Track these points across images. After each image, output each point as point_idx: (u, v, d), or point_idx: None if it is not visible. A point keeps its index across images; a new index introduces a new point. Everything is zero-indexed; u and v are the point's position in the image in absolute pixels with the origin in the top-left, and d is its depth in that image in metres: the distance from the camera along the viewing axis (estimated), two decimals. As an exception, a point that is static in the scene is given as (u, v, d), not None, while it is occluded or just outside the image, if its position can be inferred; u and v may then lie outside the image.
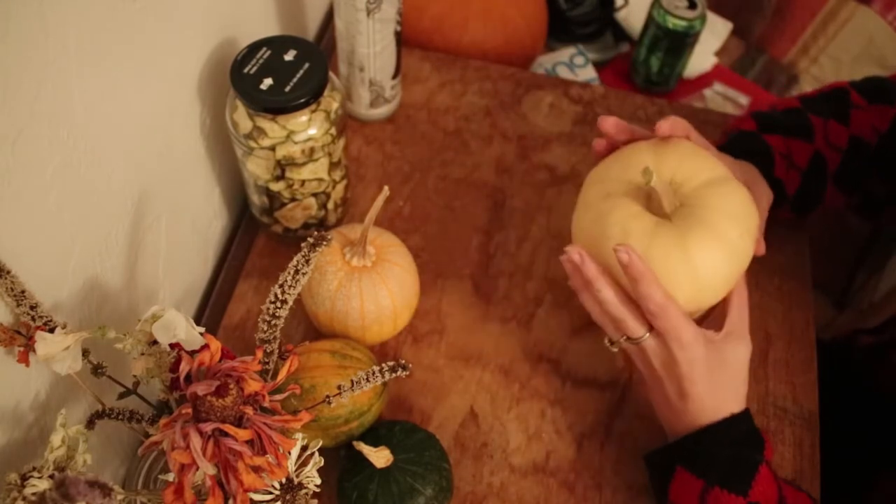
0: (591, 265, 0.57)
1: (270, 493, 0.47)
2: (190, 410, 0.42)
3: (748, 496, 0.55)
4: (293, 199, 0.70)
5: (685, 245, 0.55)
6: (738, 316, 0.59)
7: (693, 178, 0.58)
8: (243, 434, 0.42)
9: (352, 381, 0.51)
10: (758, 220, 0.58)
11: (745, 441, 0.58)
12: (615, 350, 0.61)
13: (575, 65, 1.04)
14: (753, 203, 0.58)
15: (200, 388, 0.42)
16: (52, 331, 0.45)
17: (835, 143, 0.71)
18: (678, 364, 0.57)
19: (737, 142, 0.71)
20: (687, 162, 0.58)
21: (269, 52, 0.63)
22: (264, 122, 0.63)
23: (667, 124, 0.59)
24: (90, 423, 0.48)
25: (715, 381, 0.58)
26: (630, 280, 0.55)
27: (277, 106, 0.61)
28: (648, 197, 0.58)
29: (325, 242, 0.50)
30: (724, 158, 0.64)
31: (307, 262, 0.50)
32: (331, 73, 0.64)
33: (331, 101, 0.65)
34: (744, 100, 1.07)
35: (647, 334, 0.58)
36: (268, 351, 0.51)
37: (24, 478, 0.42)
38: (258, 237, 0.78)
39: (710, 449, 0.57)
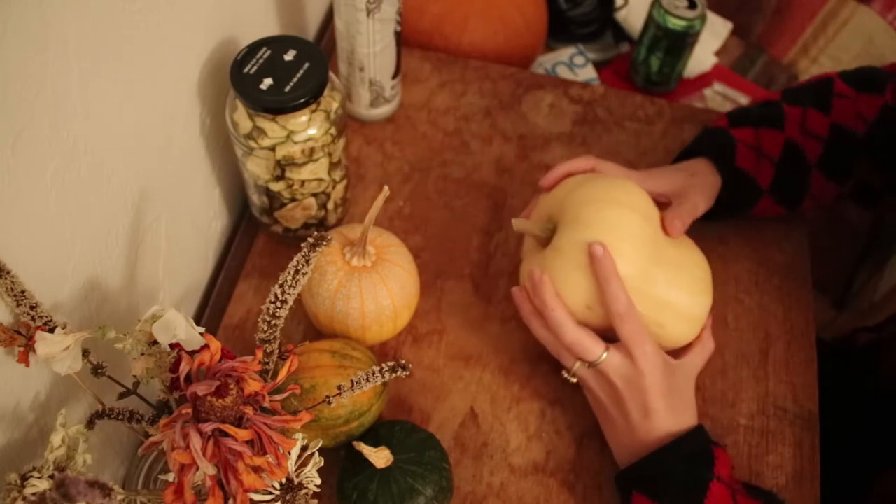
0: (548, 284, 0.60)
1: (270, 493, 0.47)
2: (190, 410, 0.42)
3: None
4: (293, 199, 0.70)
5: (559, 242, 0.62)
6: (694, 356, 0.64)
7: (564, 197, 0.64)
8: (243, 434, 0.42)
9: (352, 381, 0.51)
10: (633, 188, 0.63)
11: (694, 459, 0.58)
12: (574, 381, 0.64)
13: (575, 65, 1.04)
14: (621, 179, 0.65)
15: (200, 389, 0.42)
16: (52, 331, 0.45)
17: (813, 131, 0.71)
18: (643, 376, 0.59)
19: (701, 139, 0.74)
20: (560, 192, 0.66)
21: (269, 52, 0.63)
22: (264, 122, 0.63)
23: (547, 179, 0.68)
24: (90, 423, 0.48)
25: (673, 398, 0.60)
26: (600, 279, 0.58)
27: (277, 106, 0.61)
28: (543, 238, 0.65)
29: (325, 242, 0.50)
30: (658, 172, 0.71)
31: (307, 262, 0.50)
32: (331, 73, 0.64)
33: (331, 101, 0.65)
34: (744, 100, 1.07)
35: (605, 353, 0.60)
36: (268, 351, 0.51)
37: (24, 478, 0.42)
38: (258, 237, 0.78)
39: (661, 471, 0.58)
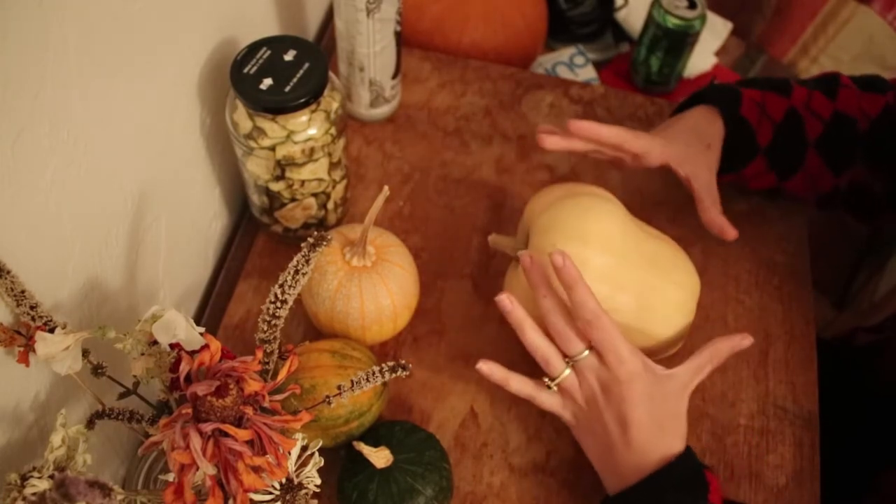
0: (539, 268, 0.59)
1: (270, 493, 0.47)
2: (190, 410, 0.42)
3: None
4: (293, 199, 0.70)
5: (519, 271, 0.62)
6: (686, 369, 0.59)
7: (535, 219, 0.65)
8: (243, 434, 0.42)
9: (352, 381, 0.51)
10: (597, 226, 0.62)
11: (686, 486, 0.55)
12: (554, 388, 0.61)
13: (575, 65, 1.04)
14: (591, 212, 0.63)
15: (200, 389, 0.42)
16: (52, 331, 0.45)
17: (817, 111, 0.72)
18: (619, 383, 0.56)
19: (708, 91, 0.74)
20: (534, 208, 0.67)
21: (269, 52, 0.63)
22: (264, 122, 0.63)
23: (579, 128, 0.67)
24: (90, 423, 0.48)
25: (656, 411, 0.56)
26: (565, 287, 0.57)
27: (277, 106, 0.61)
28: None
29: (325, 242, 0.50)
30: (664, 134, 0.71)
31: (307, 262, 0.50)
32: (331, 73, 0.64)
33: (331, 101, 0.65)
34: (744, 100, 1.07)
35: (587, 351, 0.58)
36: (268, 351, 0.51)
37: (24, 478, 0.42)
38: (258, 237, 0.78)
39: (653, 500, 0.55)
